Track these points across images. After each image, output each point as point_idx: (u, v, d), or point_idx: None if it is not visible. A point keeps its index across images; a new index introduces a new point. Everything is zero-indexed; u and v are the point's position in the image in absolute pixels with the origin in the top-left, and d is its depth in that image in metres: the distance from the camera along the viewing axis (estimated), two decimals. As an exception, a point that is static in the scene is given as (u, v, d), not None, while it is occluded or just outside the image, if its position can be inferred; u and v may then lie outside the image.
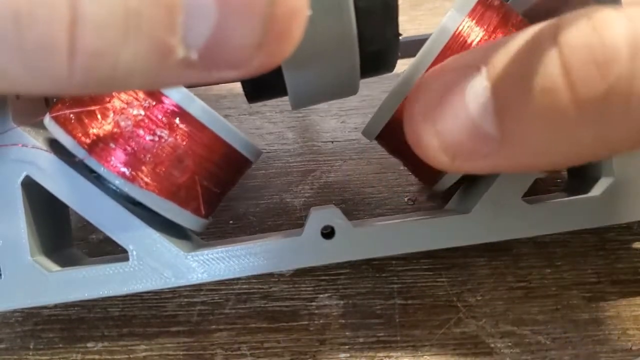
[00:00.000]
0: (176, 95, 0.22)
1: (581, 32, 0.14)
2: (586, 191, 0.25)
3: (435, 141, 0.16)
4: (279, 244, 0.24)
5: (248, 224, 0.31)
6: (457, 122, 0.16)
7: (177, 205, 0.23)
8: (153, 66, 0.12)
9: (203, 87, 0.36)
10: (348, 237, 0.24)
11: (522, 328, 0.27)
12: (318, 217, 0.24)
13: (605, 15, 0.14)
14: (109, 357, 0.28)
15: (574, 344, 0.27)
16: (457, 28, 0.22)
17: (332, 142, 0.34)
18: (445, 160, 0.16)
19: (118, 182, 0.22)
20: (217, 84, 0.15)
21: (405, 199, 0.31)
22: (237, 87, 0.34)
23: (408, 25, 0.37)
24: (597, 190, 0.25)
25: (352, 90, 0.22)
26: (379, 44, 0.20)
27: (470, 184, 0.27)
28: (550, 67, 0.14)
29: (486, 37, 0.22)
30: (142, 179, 0.22)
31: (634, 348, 0.26)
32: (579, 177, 0.27)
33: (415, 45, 0.26)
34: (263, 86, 0.22)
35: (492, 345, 0.27)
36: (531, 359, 0.26)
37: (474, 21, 0.22)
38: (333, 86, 0.21)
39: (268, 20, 0.12)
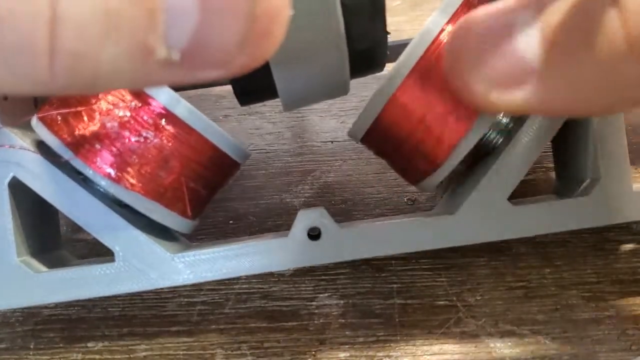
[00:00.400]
0: (162, 97, 0.22)
1: None
2: (572, 191, 0.25)
3: (473, 67, 0.16)
4: (265, 246, 0.24)
5: (248, 223, 0.31)
6: (499, 48, 0.16)
7: (163, 206, 0.23)
8: (135, 67, 0.12)
9: (203, 88, 0.36)
10: (334, 238, 0.24)
11: (521, 328, 0.27)
12: (304, 218, 0.24)
13: None
14: (109, 356, 0.28)
15: (573, 343, 0.27)
16: (440, 31, 0.22)
17: (332, 142, 0.34)
18: (481, 88, 0.16)
19: (104, 183, 0.22)
20: (202, 84, 0.15)
21: (405, 199, 0.31)
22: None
23: (407, 26, 0.37)
24: (583, 191, 0.25)
25: (343, 89, 0.22)
26: (367, 42, 0.20)
27: (458, 186, 0.26)
28: (604, 3, 0.14)
29: None
30: (127, 180, 0.22)
31: (633, 348, 0.26)
32: (567, 180, 0.27)
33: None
34: (253, 88, 0.22)
35: (492, 345, 0.27)
36: (530, 359, 0.26)
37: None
38: (323, 86, 0.21)
39: (250, 20, 0.12)
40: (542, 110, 0.17)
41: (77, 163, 0.22)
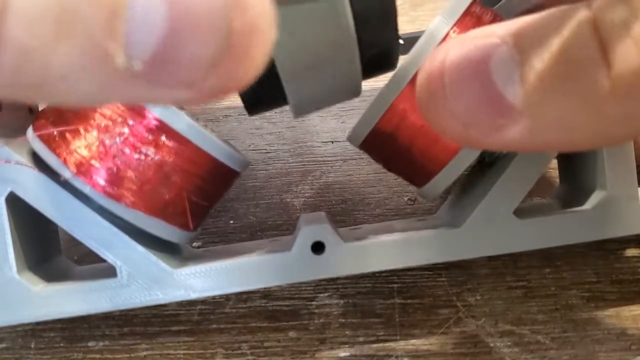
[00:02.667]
0: (160, 112, 0.22)
1: (618, 11, 0.13)
2: (577, 202, 0.25)
3: (450, 109, 0.15)
4: (268, 260, 0.24)
5: (248, 223, 0.31)
6: (476, 89, 0.15)
7: (165, 222, 0.23)
8: (91, 74, 0.11)
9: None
10: (338, 252, 0.24)
11: (521, 327, 0.27)
12: (308, 233, 0.24)
13: None
14: (110, 356, 0.28)
15: (573, 343, 0.27)
16: (443, 38, 0.22)
17: (332, 142, 0.34)
18: (460, 130, 0.16)
19: (104, 202, 0.22)
20: (170, 104, 0.14)
21: (405, 199, 0.31)
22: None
23: (408, 26, 0.37)
24: (589, 204, 0.24)
25: (355, 93, 0.22)
26: (379, 47, 0.20)
27: (461, 194, 0.26)
28: (585, 40, 0.14)
29: None
30: (128, 197, 0.22)
31: (632, 348, 0.26)
32: (573, 188, 0.27)
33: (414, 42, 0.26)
34: (262, 97, 0.22)
35: (492, 344, 0.27)
36: (530, 359, 0.26)
37: (461, 30, 0.22)
38: (335, 92, 0.21)
39: (223, 35, 0.11)
40: (524, 148, 0.16)
41: (77, 182, 0.22)
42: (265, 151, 0.33)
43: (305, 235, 0.24)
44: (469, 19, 0.22)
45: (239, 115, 0.35)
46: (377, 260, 0.24)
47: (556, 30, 0.14)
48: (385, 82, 0.23)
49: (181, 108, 0.25)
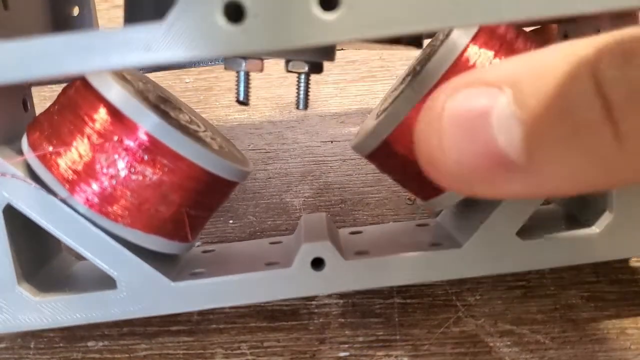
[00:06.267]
0: (154, 128, 0.21)
1: (621, 67, 0.13)
2: (582, 219, 0.25)
3: (450, 165, 0.15)
4: (268, 276, 0.24)
5: (248, 223, 0.31)
6: (476, 147, 0.15)
7: (164, 237, 0.23)
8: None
9: (203, 88, 0.36)
10: (338, 269, 0.24)
11: (520, 327, 0.27)
12: (308, 249, 0.24)
13: None
14: (109, 356, 0.28)
15: (572, 343, 0.27)
16: (460, 54, 0.21)
17: (332, 142, 0.34)
18: (462, 186, 0.15)
19: (100, 222, 0.22)
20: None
21: (405, 199, 0.31)
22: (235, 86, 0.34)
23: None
24: (595, 227, 0.24)
25: None
26: None
27: (466, 203, 0.26)
28: (589, 97, 0.13)
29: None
30: (126, 217, 0.22)
31: (632, 347, 0.26)
32: (577, 206, 0.27)
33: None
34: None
35: (491, 344, 0.27)
36: (530, 358, 0.26)
37: (481, 46, 0.22)
38: None
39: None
40: (526, 197, 0.16)
41: (73, 202, 0.22)
42: (264, 151, 0.33)
43: (305, 251, 0.24)
44: (486, 33, 0.22)
45: (238, 115, 0.35)
46: (377, 278, 0.24)
47: (557, 85, 0.14)
48: (386, 88, 0.23)
49: (179, 114, 0.24)
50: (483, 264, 0.24)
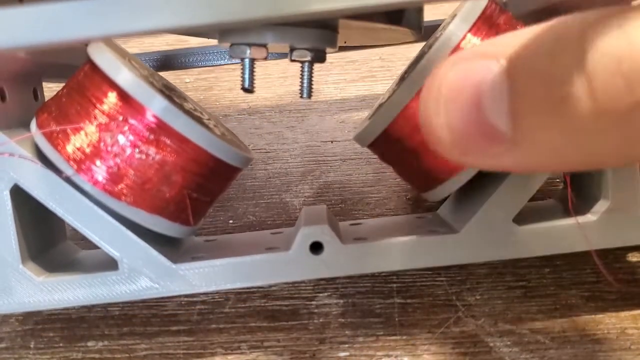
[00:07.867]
0: (162, 111, 0.22)
1: (611, 39, 0.13)
2: (580, 207, 0.25)
3: (446, 134, 0.16)
4: (267, 259, 0.24)
5: (248, 223, 0.31)
6: (469, 117, 0.15)
7: (166, 219, 0.23)
8: None
9: (203, 88, 0.36)
10: (337, 253, 0.24)
11: (520, 327, 0.27)
12: (307, 233, 0.24)
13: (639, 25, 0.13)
14: (109, 356, 0.28)
15: (572, 343, 0.27)
16: (459, 42, 0.22)
17: (332, 142, 0.34)
18: (455, 154, 0.16)
19: (105, 200, 0.22)
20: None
21: (405, 198, 0.31)
22: (236, 86, 0.34)
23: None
24: (590, 215, 0.24)
25: None
26: None
27: (464, 195, 0.26)
28: (572, 71, 0.13)
29: None
30: (129, 196, 0.22)
31: (632, 347, 0.26)
32: (574, 191, 0.26)
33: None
34: None
35: (491, 344, 0.27)
36: (530, 358, 0.26)
37: (478, 36, 0.22)
38: None
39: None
40: (518, 170, 0.16)
41: (78, 179, 0.22)
42: (264, 151, 0.34)
43: (304, 235, 0.24)
44: (484, 23, 0.22)
45: (238, 115, 0.35)
46: (375, 262, 0.24)
47: (544, 59, 0.14)
48: (386, 88, 0.23)
49: (183, 102, 0.25)
50: (480, 250, 0.24)
